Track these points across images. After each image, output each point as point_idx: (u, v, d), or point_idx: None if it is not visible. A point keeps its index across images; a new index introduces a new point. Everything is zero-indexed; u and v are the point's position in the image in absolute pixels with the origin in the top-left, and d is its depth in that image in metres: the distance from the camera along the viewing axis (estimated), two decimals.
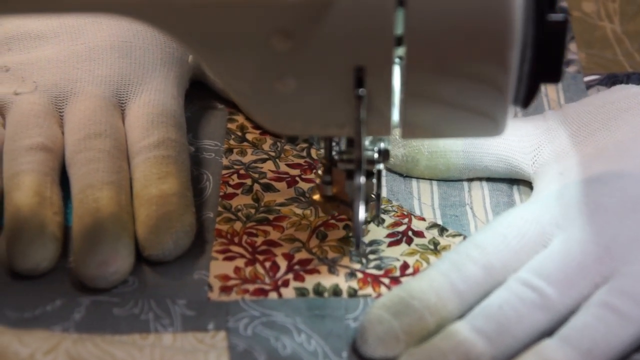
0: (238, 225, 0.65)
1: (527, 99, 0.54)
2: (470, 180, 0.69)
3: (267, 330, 0.58)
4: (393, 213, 0.66)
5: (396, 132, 0.68)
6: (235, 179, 0.68)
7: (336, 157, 0.60)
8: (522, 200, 0.67)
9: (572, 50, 0.80)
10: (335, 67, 0.52)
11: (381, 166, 0.60)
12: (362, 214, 0.58)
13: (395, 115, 0.55)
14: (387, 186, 0.68)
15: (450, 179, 0.69)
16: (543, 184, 0.64)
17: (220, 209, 0.66)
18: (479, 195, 0.68)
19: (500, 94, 0.53)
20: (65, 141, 0.67)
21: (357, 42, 0.51)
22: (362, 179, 0.57)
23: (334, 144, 0.60)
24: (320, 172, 0.62)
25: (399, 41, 0.51)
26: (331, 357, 0.57)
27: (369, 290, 0.61)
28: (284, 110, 0.55)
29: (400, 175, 0.69)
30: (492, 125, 0.55)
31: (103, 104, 0.68)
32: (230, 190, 0.67)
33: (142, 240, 0.62)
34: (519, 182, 0.69)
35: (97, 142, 0.66)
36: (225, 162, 0.70)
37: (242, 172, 0.69)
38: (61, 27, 0.73)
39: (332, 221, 0.65)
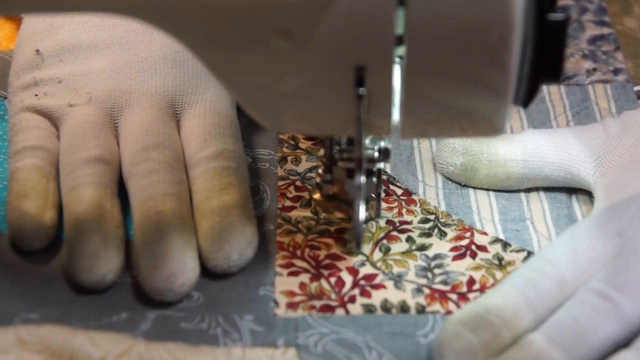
0: (299, 238, 0.64)
1: (527, 98, 0.53)
2: (527, 191, 0.68)
3: (338, 348, 0.57)
4: (454, 227, 0.65)
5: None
6: (292, 192, 0.67)
7: (337, 156, 0.59)
8: (582, 210, 0.67)
9: (619, 59, 0.79)
10: (335, 67, 0.52)
11: (382, 165, 0.60)
12: (362, 213, 0.57)
13: (395, 115, 0.55)
14: (445, 200, 0.67)
15: (508, 188, 0.68)
16: (607, 195, 0.64)
17: (280, 220, 0.65)
18: (539, 208, 0.67)
19: (500, 93, 0.52)
20: (121, 153, 0.66)
21: (357, 41, 0.51)
22: (362, 179, 0.57)
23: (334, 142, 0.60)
24: (320, 171, 0.61)
25: (399, 41, 0.51)
26: None
27: (437, 306, 0.60)
28: (284, 109, 0.55)
29: (458, 184, 0.68)
30: (492, 124, 0.55)
31: (159, 115, 0.67)
32: (288, 203, 0.67)
33: (207, 252, 0.61)
34: (577, 191, 0.68)
35: (156, 154, 0.65)
36: (280, 172, 0.69)
37: (298, 183, 0.68)
38: (112, 37, 0.72)
39: (394, 233, 0.64)
